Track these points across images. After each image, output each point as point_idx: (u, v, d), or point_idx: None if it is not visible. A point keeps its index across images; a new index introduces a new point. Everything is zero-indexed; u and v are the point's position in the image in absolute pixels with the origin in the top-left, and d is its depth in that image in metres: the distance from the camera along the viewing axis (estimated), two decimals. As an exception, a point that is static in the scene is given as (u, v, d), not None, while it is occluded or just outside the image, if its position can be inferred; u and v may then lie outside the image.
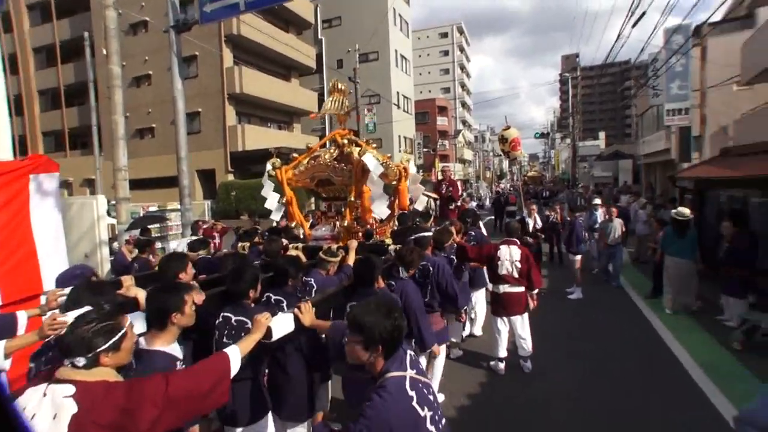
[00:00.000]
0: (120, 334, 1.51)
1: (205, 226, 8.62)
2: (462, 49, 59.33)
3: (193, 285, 2.46)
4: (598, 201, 9.32)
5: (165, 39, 20.99)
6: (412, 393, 1.54)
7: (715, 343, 5.03)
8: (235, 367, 1.78)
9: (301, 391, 2.70)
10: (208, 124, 21.62)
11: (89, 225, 6.99)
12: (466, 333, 5.41)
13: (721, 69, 11.67)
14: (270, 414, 2.55)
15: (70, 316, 1.83)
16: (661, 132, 15.93)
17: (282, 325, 2.07)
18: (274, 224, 6.11)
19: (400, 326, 1.62)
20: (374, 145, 5.11)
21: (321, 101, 27.29)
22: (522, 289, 4.49)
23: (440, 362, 3.95)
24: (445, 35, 57.12)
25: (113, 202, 7.94)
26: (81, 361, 1.40)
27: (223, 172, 21.37)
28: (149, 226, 8.12)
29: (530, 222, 8.73)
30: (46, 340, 1.95)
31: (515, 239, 4.63)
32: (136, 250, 6.15)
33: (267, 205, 4.94)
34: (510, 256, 4.46)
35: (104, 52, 7.54)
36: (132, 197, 8.36)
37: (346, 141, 4.54)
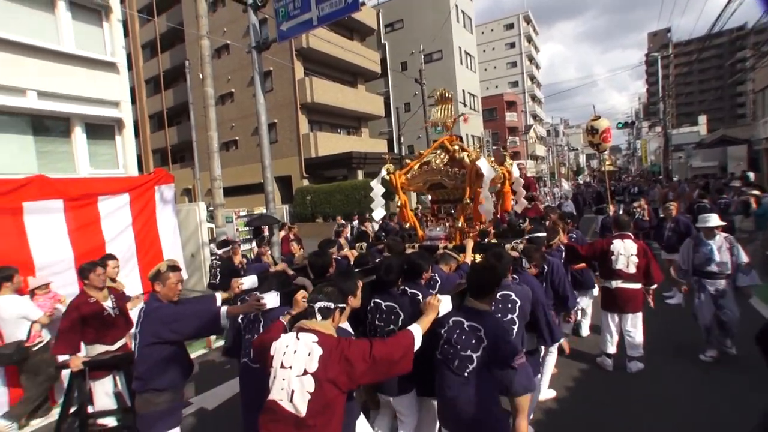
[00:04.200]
0: (342, 304, 2.12)
1: (282, 233, 9.22)
2: (530, 39, 56.70)
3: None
4: (713, 220, 4.68)
5: (244, 59, 22.58)
6: None
7: None
8: (417, 343, 2.15)
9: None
10: (283, 133, 23.15)
11: (193, 229, 8.00)
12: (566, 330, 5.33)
13: None
14: (414, 390, 2.81)
15: (267, 298, 2.61)
16: (794, 109, 13.24)
17: (446, 304, 2.46)
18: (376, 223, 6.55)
19: None
20: (480, 150, 5.27)
21: (387, 105, 27.92)
22: (637, 285, 4.34)
23: (552, 359, 4.00)
24: (510, 26, 55.04)
25: (211, 208, 8.98)
26: (319, 316, 2.01)
27: (299, 177, 22.73)
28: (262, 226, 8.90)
29: None
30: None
31: (629, 233, 4.51)
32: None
33: (372, 206, 5.32)
34: (625, 250, 4.33)
35: (201, 76, 8.59)
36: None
37: (456, 147, 4.77)
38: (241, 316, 2.86)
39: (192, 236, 8.01)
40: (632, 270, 4.28)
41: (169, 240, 5.26)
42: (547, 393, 4.01)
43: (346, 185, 20.06)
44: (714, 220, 4.67)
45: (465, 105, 30.54)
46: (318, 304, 2.01)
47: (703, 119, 39.92)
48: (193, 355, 5.64)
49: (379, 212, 5.41)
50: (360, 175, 21.35)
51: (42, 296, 4.13)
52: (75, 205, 4.44)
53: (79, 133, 7.01)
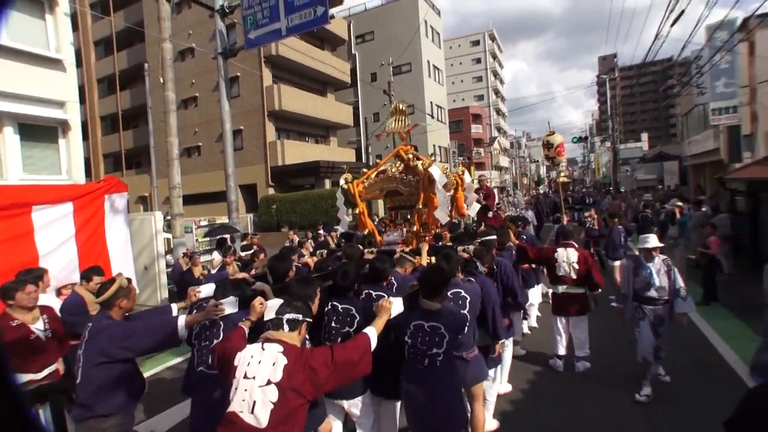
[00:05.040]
0: (309, 318, 2.16)
1: (244, 242, 8.96)
2: (494, 56, 58.79)
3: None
4: (652, 241, 4.29)
5: (210, 63, 21.99)
6: None
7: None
8: (373, 344, 2.26)
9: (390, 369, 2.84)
10: (250, 140, 22.62)
11: (148, 239, 7.58)
12: (525, 330, 5.82)
13: (772, 63, 11.05)
14: (369, 392, 2.89)
15: (225, 304, 2.55)
16: (709, 131, 15.23)
17: (397, 306, 2.65)
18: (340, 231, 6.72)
19: None
20: (434, 158, 5.44)
21: (356, 115, 27.96)
22: (581, 290, 4.67)
23: (508, 355, 4.37)
24: (476, 43, 56.84)
25: (168, 217, 8.54)
26: (286, 327, 2.04)
27: (264, 186, 22.22)
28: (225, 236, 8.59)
29: None
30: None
31: (572, 242, 4.84)
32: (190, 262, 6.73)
33: (338, 215, 5.47)
34: (567, 258, 4.65)
35: (161, 80, 8.21)
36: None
37: (410, 156, 4.93)
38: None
39: (146, 247, 7.57)
40: (574, 276, 4.61)
41: (119, 252, 4.91)
42: (505, 387, 4.29)
43: (312, 194, 19.78)
44: (653, 240, 4.24)
45: (432, 116, 31.04)
46: (287, 316, 2.05)
47: (644, 136, 43.69)
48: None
49: (343, 222, 5.54)
50: (327, 184, 21.13)
51: (67, 294, 4.09)
52: (0, 215, 4.03)
53: (9, 134, 6.38)
